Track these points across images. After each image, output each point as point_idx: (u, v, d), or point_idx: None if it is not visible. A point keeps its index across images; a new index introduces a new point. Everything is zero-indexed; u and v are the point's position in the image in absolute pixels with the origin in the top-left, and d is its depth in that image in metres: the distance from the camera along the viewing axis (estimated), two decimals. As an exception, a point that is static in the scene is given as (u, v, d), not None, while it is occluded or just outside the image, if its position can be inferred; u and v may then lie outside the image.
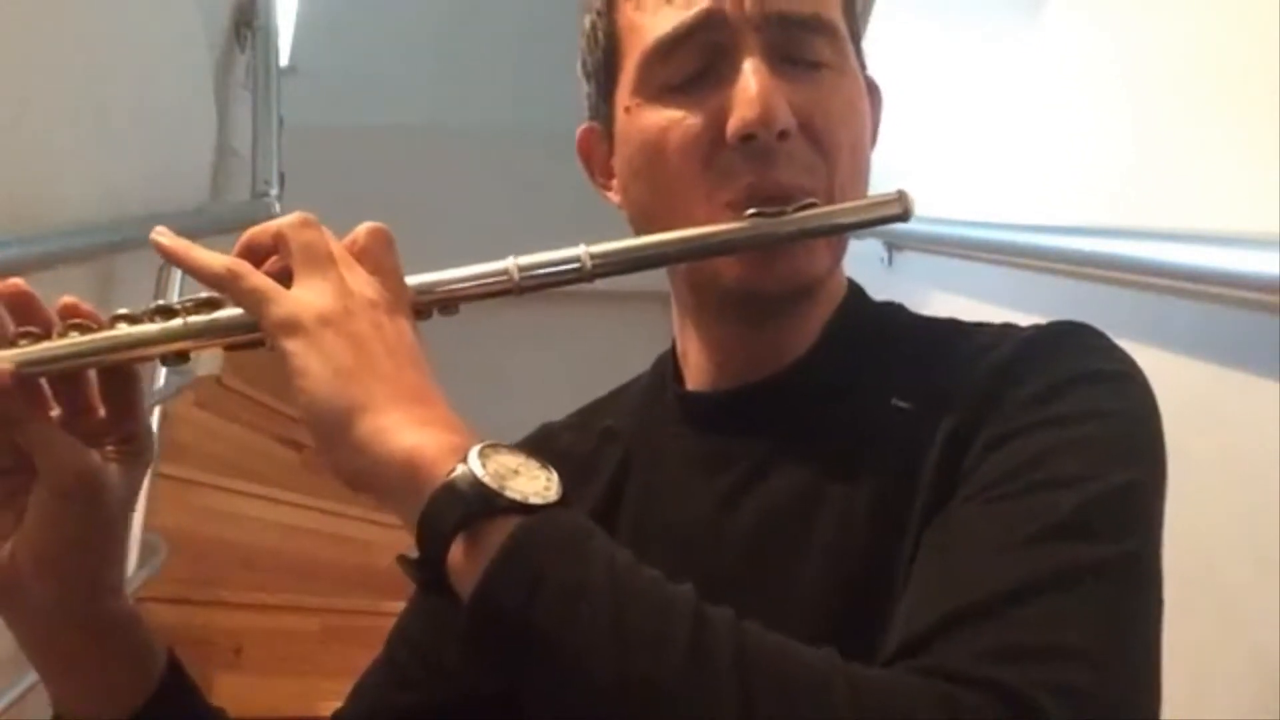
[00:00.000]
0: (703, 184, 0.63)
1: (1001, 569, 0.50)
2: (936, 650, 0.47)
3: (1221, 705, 0.89)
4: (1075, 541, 0.50)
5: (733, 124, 0.61)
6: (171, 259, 0.56)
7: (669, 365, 0.74)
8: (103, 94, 1.91)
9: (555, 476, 0.49)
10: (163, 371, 1.86)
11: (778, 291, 0.65)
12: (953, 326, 0.69)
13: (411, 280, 0.57)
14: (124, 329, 0.56)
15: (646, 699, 0.43)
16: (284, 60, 3.18)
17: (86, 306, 0.57)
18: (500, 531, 0.46)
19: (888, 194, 0.64)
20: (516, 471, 0.48)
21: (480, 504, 0.47)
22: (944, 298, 1.79)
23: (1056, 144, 1.43)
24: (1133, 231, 1.07)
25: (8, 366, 0.54)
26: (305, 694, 1.87)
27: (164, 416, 2.14)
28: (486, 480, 0.47)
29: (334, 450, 0.50)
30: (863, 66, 0.70)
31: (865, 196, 0.67)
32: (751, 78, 0.61)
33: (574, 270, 0.59)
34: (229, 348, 0.57)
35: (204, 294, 0.56)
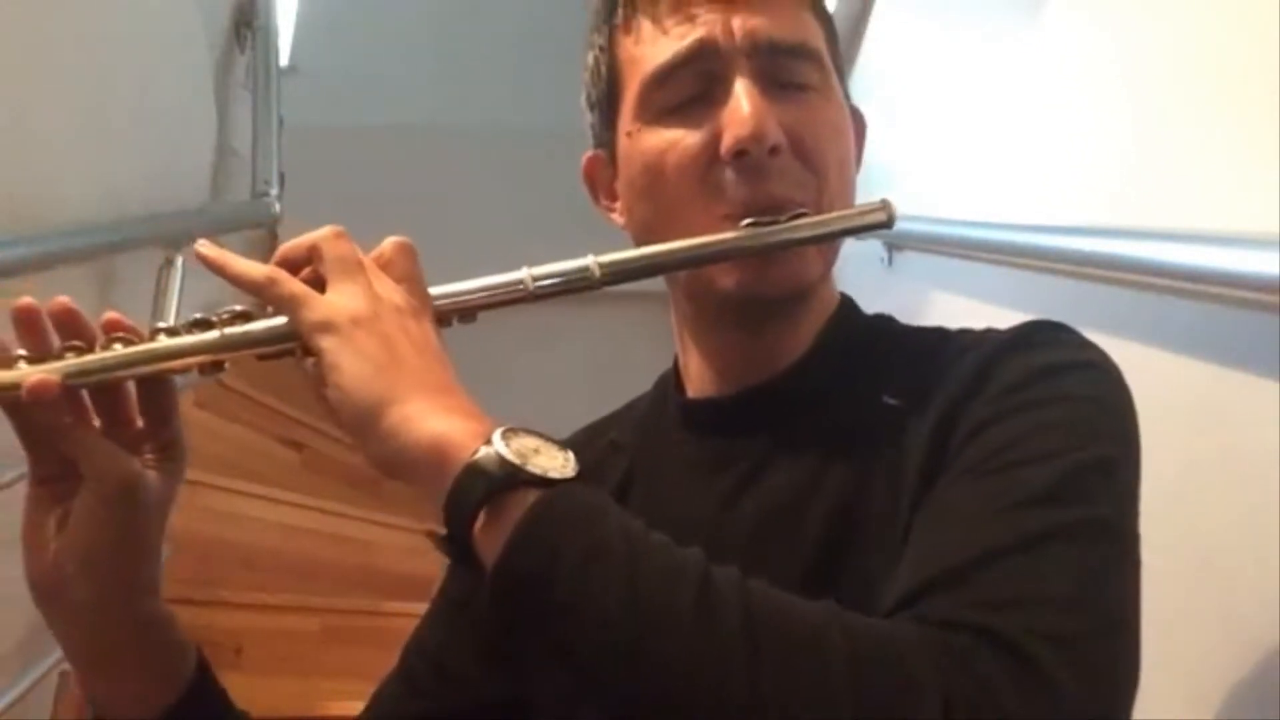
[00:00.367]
0: (700, 199, 0.68)
1: (986, 532, 0.54)
2: (928, 602, 0.51)
3: (1222, 706, 0.89)
4: (1051, 507, 0.55)
5: (726, 141, 0.67)
6: (214, 268, 0.61)
7: (671, 379, 0.79)
8: (103, 94, 1.91)
9: (572, 456, 0.54)
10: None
11: (773, 296, 0.69)
12: (938, 333, 0.74)
13: (433, 290, 0.62)
14: (164, 341, 0.60)
15: (659, 654, 0.47)
16: (284, 60, 3.18)
17: (129, 321, 0.62)
18: (521, 504, 0.50)
19: (873, 203, 0.70)
20: (537, 450, 0.53)
21: (504, 479, 0.51)
22: (944, 298, 1.79)
23: (1056, 144, 1.43)
24: (1133, 231, 1.07)
25: (55, 378, 0.58)
26: (305, 694, 1.87)
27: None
28: (510, 457, 0.51)
29: (366, 439, 0.54)
30: (847, 96, 0.75)
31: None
32: (743, 98, 0.67)
33: (583, 278, 0.64)
34: (262, 358, 0.61)
35: (237, 307, 0.61)
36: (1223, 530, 0.94)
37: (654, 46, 0.70)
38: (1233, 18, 1.03)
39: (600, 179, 0.78)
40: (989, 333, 0.69)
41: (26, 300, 0.61)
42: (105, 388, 0.62)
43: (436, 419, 0.53)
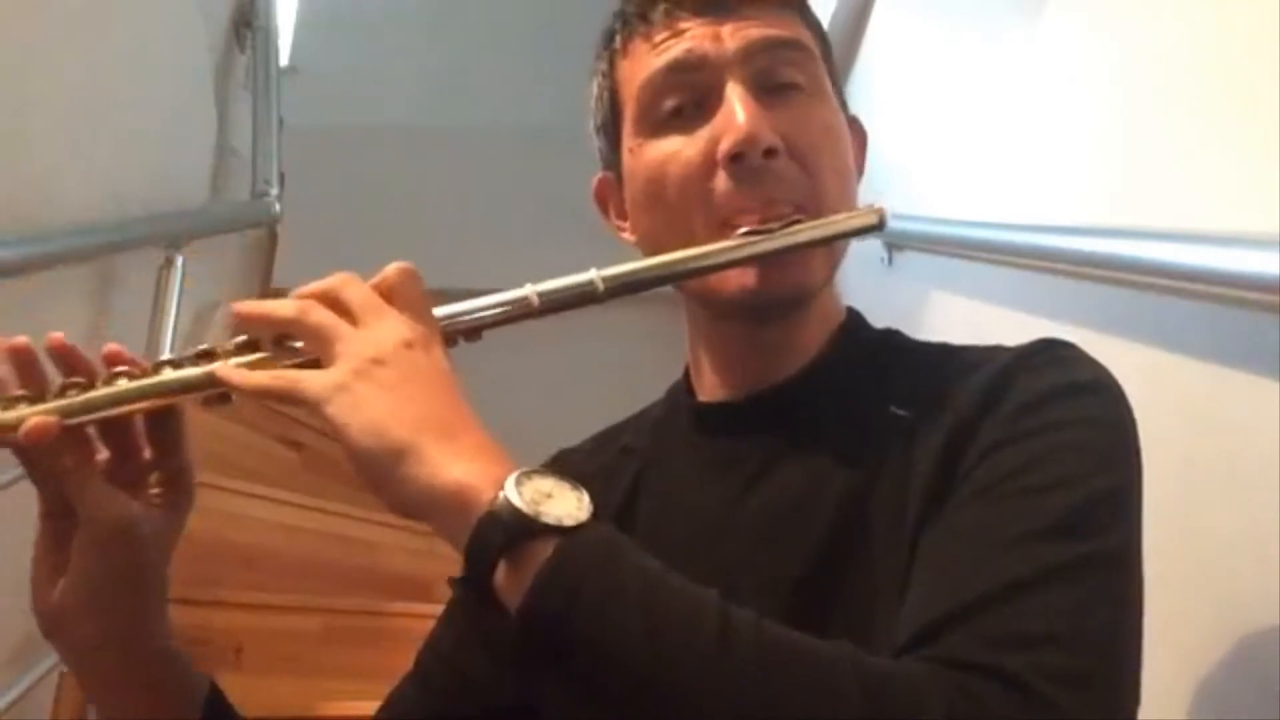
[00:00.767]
0: (700, 206, 0.70)
1: (998, 565, 0.54)
2: (943, 641, 0.52)
3: (1222, 707, 0.89)
4: (1064, 539, 0.55)
5: (722, 146, 0.68)
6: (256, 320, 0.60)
7: (682, 385, 0.81)
8: (103, 94, 1.91)
9: (585, 496, 0.54)
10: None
11: (778, 299, 0.71)
12: (945, 348, 0.75)
13: (438, 311, 0.62)
14: (169, 374, 0.59)
15: (677, 692, 0.48)
16: (284, 60, 3.18)
17: (129, 353, 0.61)
18: (539, 553, 0.51)
19: (865, 208, 0.72)
20: (550, 495, 0.53)
21: (519, 530, 0.51)
22: (944, 298, 1.79)
23: (1056, 144, 1.43)
24: (1133, 231, 1.07)
25: (53, 420, 0.57)
26: (306, 694, 1.87)
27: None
28: (523, 508, 0.51)
29: (382, 488, 0.55)
30: (844, 105, 0.77)
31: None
32: (736, 104, 0.69)
33: (587, 292, 0.65)
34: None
35: (243, 338, 0.60)
36: (1222, 530, 0.94)
37: (643, 61, 0.73)
38: (1232, 18, 1.03)
39: (611, 200, 0.80)
40: (997, 349, 0.70)
41: (21, 340, 0.60)
42: (110, 422, 0.61)
43: (452, 466, 0.53)
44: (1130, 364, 0.66)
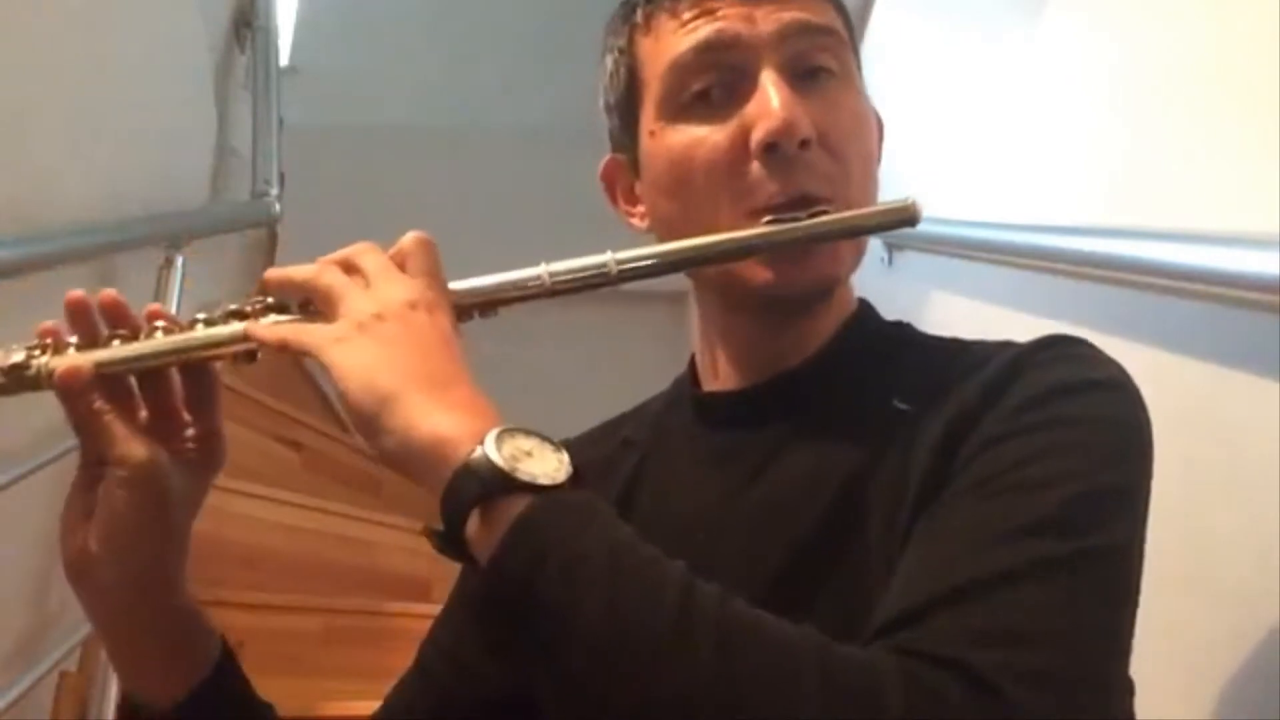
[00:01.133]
0: (728, 194, 0.68)
1: (981, 559, 0.53)
2: (910, 631, 0.51)
3: (1222, 708, 0.89)
4: (1054, 536, 0.54)
5: (757, 135, 0.66)
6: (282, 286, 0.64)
7: (687, 376, 0.80)
8: (103, 94, 1.91)
9: (567, 458, 0.54)
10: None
11: (804, 293, 0.70)
12: (956, 343, 0.73)
13: (454, 285, 0.64)
14: (201, 330, 0.63)
15: (632, 668, 0.48)
16: (284, 60, 3.18)
17: (169, 311, 0.65)
18: (511, 509, 0.51)
19: (898, 201, 0.68)
20: (530, 454, 0.53)
21: (494, 485, 0.52)
22: (944, 298, 1.79)
23: (1056, 144, 1.43)
24: (1133, 231, 1.07)
25: (86, 364, 0.62)
26: (306, 694, 1.87)
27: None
28: (500, 462, 0.52)
29: (370, 436, 0.56)
30: (864, 91, 0.75)
31: (876, 203, 0.71)
32: (772, 91, 0.66)
33: (601, 275, 0.64)
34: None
35: (270, 299, 0.64)
36: (1223, 530, 0.94)
37: (673, 40, 0.69)
38: (1232, 18, 1.03)
39: (620, 182, 0.78)
40: (1007, 345, 0.69)
41: (77, 293, 0.64)
42: (148, 374, 0.65)
43: (437, 415, 0.54)
44: (1130, 364, 0.66)
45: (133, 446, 0.62)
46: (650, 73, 0.71)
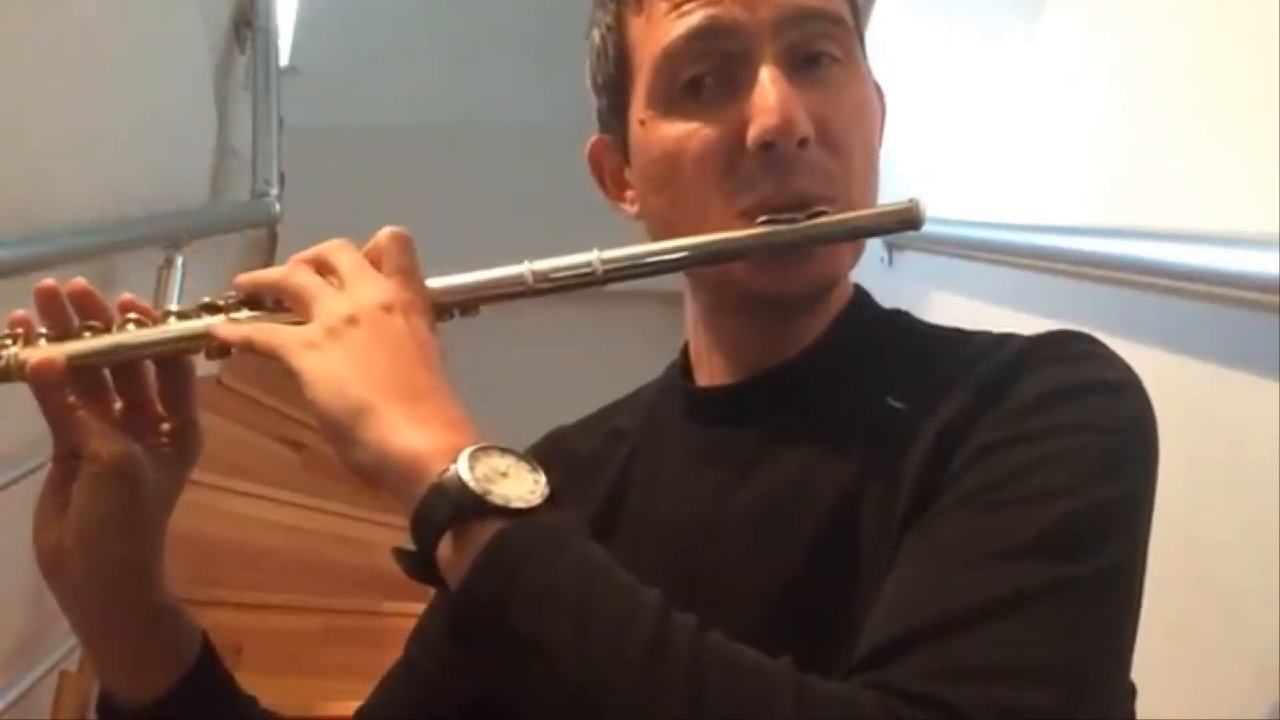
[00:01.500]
0: (721, 192, 0.64)
1: (968, 586, 0.51)
2: (891, 666, 0.49)
3: (1222, 708, 0.89)
4: (1045, 559, 0.51)
5: (753, 133, 0.62)
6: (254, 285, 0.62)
7: (678, 366, 0.76)
8: (103, 94, 1.91)
9: (544, 479, 0.52)
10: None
11: (801, 295, 0.66)
12: (955, 334, 0.70)
13: (433, 282, 0.61)
14: (174, 324, 0.62)
15: (604, 692, 0.46)
16: (284, 60, 3.18)
17: (142, 303, 0.63)
18: (483, 534, 0.49)
19: (900, 203, 0.65)
20: (505, 474, 0.51)
21: (465, 507, 0.50)
22: (944, 298, 1.79)
23: (1056, 144, 1.43)
24: (1133, 231, 1.07)
25: (59, 359, 0.60)
26: (306, 694, 1.87)
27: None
28: (472, 484, 0.50)
29: (341, 448, 0.54)
30: (868, 71, 0.71)
31: (875, 199, 0.68)
32: (770, 86, 0.62)
33: (586, 274, 0.62)
34: None
35: (244, 296, 0.62)
36: (1223, 530, 0.94)
37: (665, 24, 0.65)
38: (1232, 19, 1.03)
39: (608, 165, 0.74)
40: (1009, 338, 0.65)
41: (48, 282, 0.62)
42: (121, 367, 0.63)
43: (409, 431, 0.52)
44: (1130, 364, 0.65)
45: (106, 441, 0.61)
46: (641, 57, 0.67)
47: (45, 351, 0.61)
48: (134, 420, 0.64)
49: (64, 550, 0.62)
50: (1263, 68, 0.93)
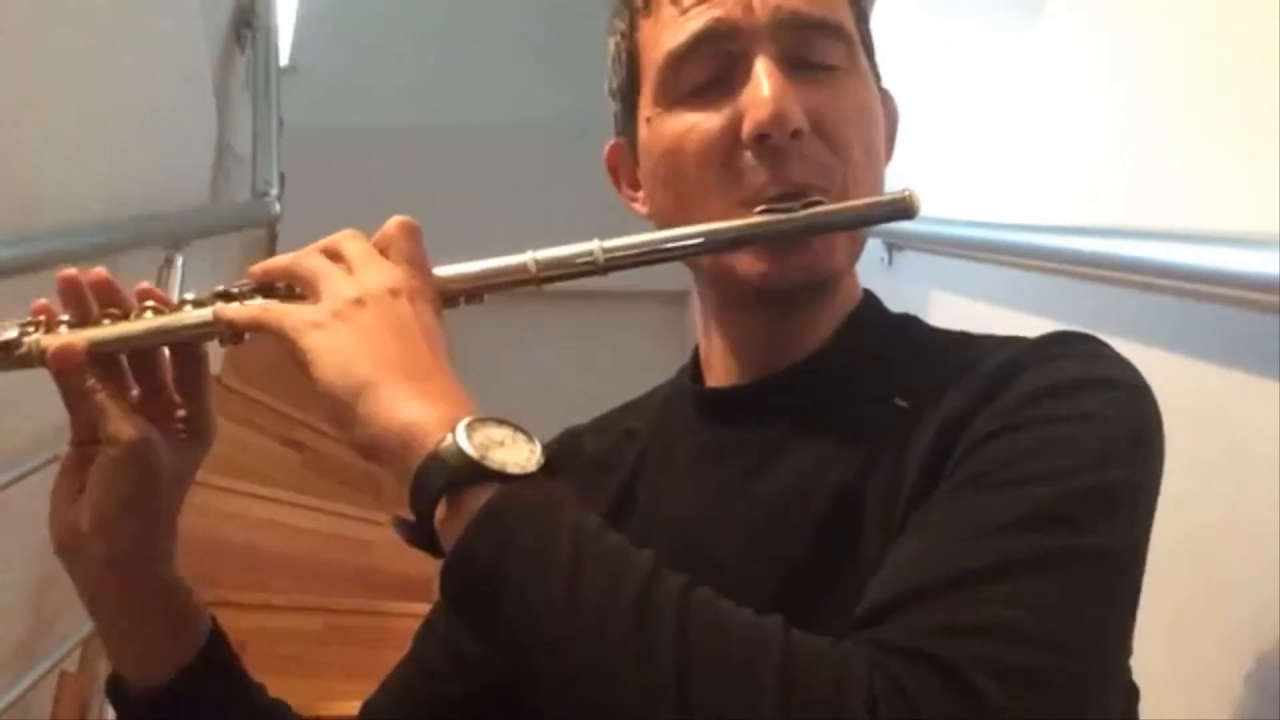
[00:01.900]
0: (720, 184, 0.67)
1: (966, 552, 0.52)
2: (885, 624, 0.50)
3: (1222, 708, 0.89)
4: (1038, 532, 0.52)
5: (747, 125, 0.65)
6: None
7: (689, 368, 0.78)
8: (103, 94, 1.91)
9: (539, 448, 0.54)
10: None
11: (796, 284, 0.68)
12: (962, 337, 0.72)
13: (439, 271, 0.63)
14: (190, 311, 0.64)
15: (590, 658, 0.48)
16: (284, 60, 3.18)
17: (160, 291, 0.66)
18: (478, 498, 0.51)
19: (894, 192, 0.66)
20: (501, 443, 0.53)
21: (462, 473, 0.51)
22: (944, 298, 1.79)
23: (1057, 144, 1.43)
24: (1133, 231, 1.07)
25: (80, 344, 0.62)
26: (307, 694, 1.87)
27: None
28: (470, 451, 0.51)
29: (344, 425, 0.55)
30: (878, 78, 0.73)
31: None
32: (764, 80, 0.65)
33: (587, 263, 0.63)
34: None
35: (257, 283, 0.64)
36: (1223, 530, 0.94)
37: (670, 27, 0.68)
38: (1232, 18, 1.03)
39: (622, 168, 0.77)
40: (1013, 340, 0.67)
41: (70, 271, 0.65)
42: (138, 354, 0.65)
43: (409, 405, 0.54)
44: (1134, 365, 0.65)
45: (125, 425, 0.62)
46: (649, 58, 0.70)
47: (66, 338, 0.63)
48: (150, 407, 0.66)
49: (80, 532, 0.64)
50: (1263, 68, 0.93)
